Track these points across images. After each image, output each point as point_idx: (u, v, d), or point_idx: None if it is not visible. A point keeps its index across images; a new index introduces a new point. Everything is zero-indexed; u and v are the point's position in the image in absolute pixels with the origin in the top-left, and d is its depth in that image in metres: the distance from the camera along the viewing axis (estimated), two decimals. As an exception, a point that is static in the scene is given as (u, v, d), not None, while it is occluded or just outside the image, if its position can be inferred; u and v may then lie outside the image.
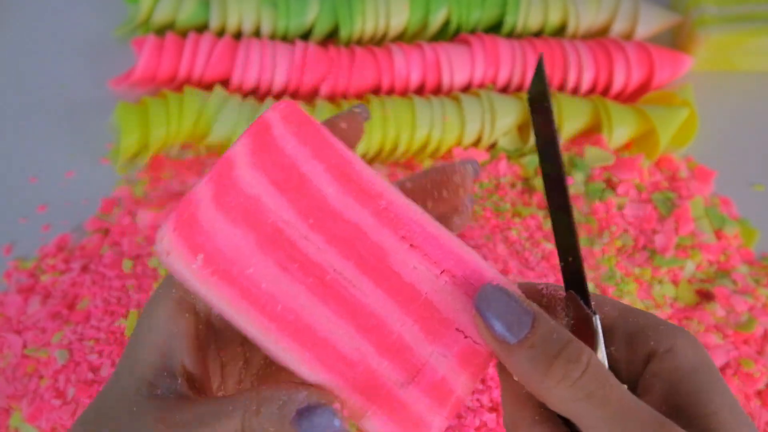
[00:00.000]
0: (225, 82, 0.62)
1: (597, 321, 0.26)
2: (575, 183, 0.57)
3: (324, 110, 0.59)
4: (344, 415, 0.24)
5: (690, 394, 0.25)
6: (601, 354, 0.26)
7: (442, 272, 0.27)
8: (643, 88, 0.63)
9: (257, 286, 0.25)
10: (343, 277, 0.26)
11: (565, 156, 0.59)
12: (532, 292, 0.28)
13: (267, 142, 0.26)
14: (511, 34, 0.66)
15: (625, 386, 0.24)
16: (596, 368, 0.24)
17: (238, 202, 0.26)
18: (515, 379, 0.25)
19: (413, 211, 0.27)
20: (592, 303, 0.26)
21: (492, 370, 0.47)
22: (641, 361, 0.26)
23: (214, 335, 0.29)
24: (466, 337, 0.26)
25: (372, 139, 0.58)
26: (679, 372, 0.26)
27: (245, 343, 0.30)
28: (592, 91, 0.63)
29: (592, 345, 0.25)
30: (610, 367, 0.26)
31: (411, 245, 0.27)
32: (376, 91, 0.63)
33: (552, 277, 0.52)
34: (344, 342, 0.25)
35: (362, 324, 0.26)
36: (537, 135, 0.28)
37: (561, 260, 0.27)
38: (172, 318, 0.27)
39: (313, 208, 0.27)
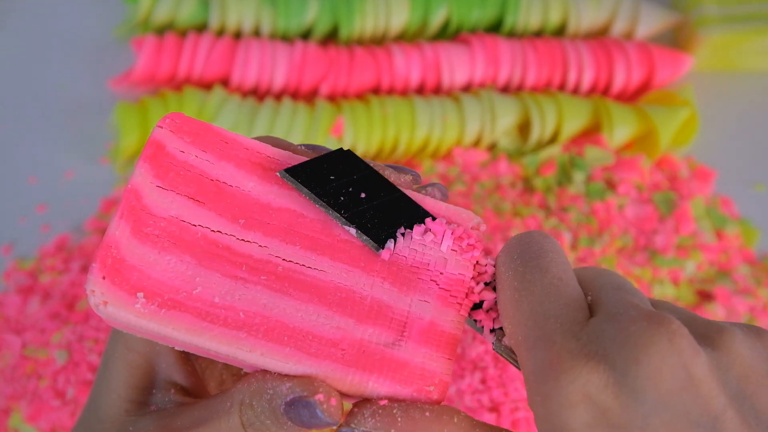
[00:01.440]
0: (225, 82, 0.62)
1: None
2: (575, 183, 0.57)
3: (324, 110, 0.59)
4: (332, 404, 0.24)
5: None
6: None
7: None
8: (644, 87, 0.63)
9: (211, 303, 0.24)
10: (295, 263, 0.26)
11: (565, 156, 0.59)
12: None
13: (165, 160, 0.26)
14: (511, 34, 0.65)
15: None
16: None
17: (159, 229, 0.25)
18: None
19: None
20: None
21: (493, 371, 0.47)
22: None
23: None
24: (441, 273, 0.26)
25: (372, 139, 0.58)
26: None
27: None
28: (592, 90, 0.63)
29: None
30: None
31: None
32: (376, 90, 0.63)
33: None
34: (320, 324, 0.25)
35: (331, 300, 0.25)
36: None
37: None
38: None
39: (239, 208, 0.26)
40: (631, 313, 0.22)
